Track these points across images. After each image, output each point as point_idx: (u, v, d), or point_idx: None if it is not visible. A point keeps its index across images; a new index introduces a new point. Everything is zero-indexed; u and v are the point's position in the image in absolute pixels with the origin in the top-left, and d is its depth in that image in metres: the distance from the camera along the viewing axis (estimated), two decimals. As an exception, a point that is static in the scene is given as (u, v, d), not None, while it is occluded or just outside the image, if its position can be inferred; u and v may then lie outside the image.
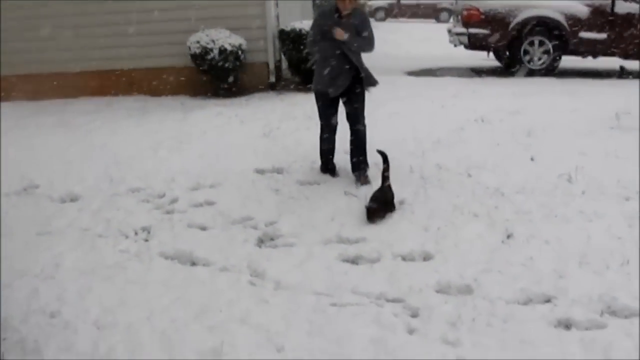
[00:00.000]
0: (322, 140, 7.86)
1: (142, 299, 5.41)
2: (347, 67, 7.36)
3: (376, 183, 7.02)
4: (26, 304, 5.46)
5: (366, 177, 7.61)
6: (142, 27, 12.94)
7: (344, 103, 7.60)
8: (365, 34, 7.30)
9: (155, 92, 13.08)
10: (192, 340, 4.76)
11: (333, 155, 7.94)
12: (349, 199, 7.11)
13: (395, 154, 8.04)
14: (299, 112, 10.71)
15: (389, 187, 6.79)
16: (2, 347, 4.89)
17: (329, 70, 7.40)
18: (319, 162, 7.98)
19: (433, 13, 39.65)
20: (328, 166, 7.95)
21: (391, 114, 8.83)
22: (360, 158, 7.68)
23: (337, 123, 7.75)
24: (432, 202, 6.89)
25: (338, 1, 7.26)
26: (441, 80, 14.16)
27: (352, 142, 7.68)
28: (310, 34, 7.76)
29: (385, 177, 6.81)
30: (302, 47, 12.19)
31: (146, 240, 6.63)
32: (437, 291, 5.27)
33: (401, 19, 38.33)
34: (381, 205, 6.62)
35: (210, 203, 7.38)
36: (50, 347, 4.82)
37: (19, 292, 5.66)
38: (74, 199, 7.83)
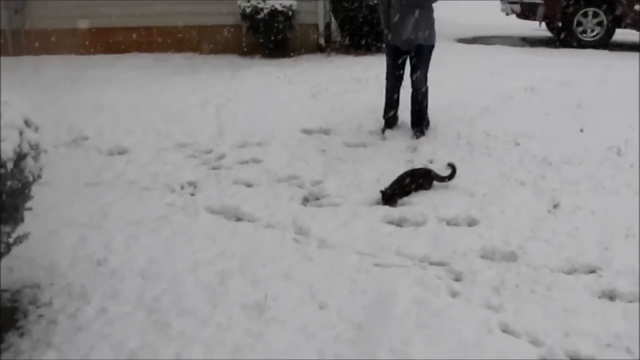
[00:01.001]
0: (388, 90, 8.01)
1: (187, 251, 5.47)
2: (417, 22, 7.52)
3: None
4: (73, 252, 5.54)
5: (423, 132, 7.78)
6: (194, -17, 12.92)
7: (410, 58, 7.74)
8: None
9: (204, 50, 13.12)
10: (236, 293, 4.80)
11: (396, 108, 8.06)
12: (395, 162, 7.09)
13: (443, 120, 8.04)
14: (347, 75, 10.67)
15: (430, 178, 6.60)
16: (50, 291, 4.97)
17: (400, 23, 7.59)
18: (366, 124, 7.98)
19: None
20: (390, 117, 8.05)
21: (440, 80, 8.75)
22: (421, 114, 7.81)
23: (402, 76, 7.90)
24: (478, 169, 6.85)
25: None
26: (491, 48, 13.99)
27: (413, 98, 7.82)
28: None
29: (436, 177, 6.62)
30: (352, 9, 12.13)
31: (192, 195, 6.68)
32: (481, 256, 5.24)
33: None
34: (397, 191, 6.42)
35: (256, 160, 7.42)
36: (97, 293, 4.89)
37: (67, 240, 5.74)
38: (122, 152, 7.91)
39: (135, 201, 6.55)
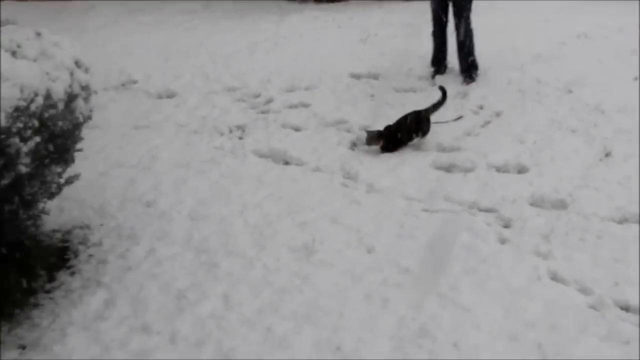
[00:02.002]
0: (434, 34, 7.96)
1: (235, 194, 5.50)
2: None
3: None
4: (123, 193, 5.60)
5: (473, 77, 7.71)
6: None
7: (453, 3, 7.64)
8: None
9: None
10: (284, 235, 4.82)
11: (445, 53, 8.01)
12: (446, 107, 6.99)
13: (493, 66, 7.91)
14: (396, 20, 10.54)
15: (426, 118, 6.40)
16: (100, 232, 5.03)
17: None
18: (416, 69, 7.91)
19: None
20: (438, 63, 8.00)
21: (491, 26, 8.61)
22: (468, 60, 7.72)
23: (447, 19, 7.79)
24: (529, 116, 6.74)
25: None
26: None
27: (459, 43, 7.73)
28: None
29: (428, 110, 6.47)
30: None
31: (240, 138, 6.68)
32: (531, 204, 5.18)
33: None
34: (390, 142, 6.28)
35: (304, 105, 7.39)
36: (146, 234, 4.96)
37: (116, 181, 5.81)
38: (170, 95, 7.94)
39: (183, 144, 6.58)
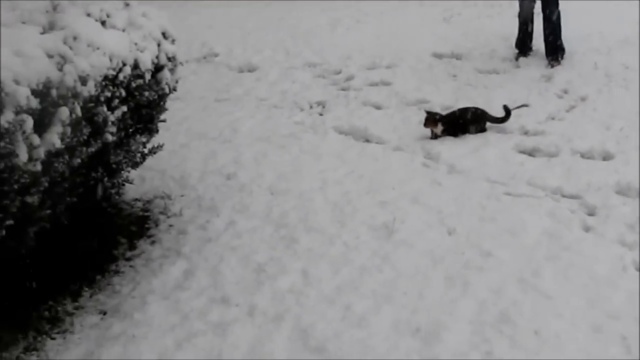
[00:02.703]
0: (520, 16, 7.82)
1: (315, 170, 5.50)
2: None
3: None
4: (204, 165, 5.65)
5: (558, 60, 7.55)
6: None
7: None
8: None
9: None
10: (364, 213, 4.79)
11: (530, 36, 7.86)
12: (528, 90, 6.88)
13: (579, 50, 7.74)
14: (480, -1, 10.37)
15: (484, 118, 6.19)
16: (180, 202, 5.09)
17: None
18: (499, 50, 7.79)
19: None
20: (523, 45, 7.86)
21: (578, 9, 8.38)
22: (554, 42, 7.59)
23: (534, 2, 7.68)
24: (615, 102, 6.56)
25: None
26: (633, -24, 13.28)
27: (546, 25, 7.59)
28: None
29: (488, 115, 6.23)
30: None
31: (321, 115, 6.68)
32: (617, 192, 5.03)
33: None
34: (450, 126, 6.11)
35: (386, 83, 7.33)
36: (226, 206, 4.99)
37: (197, 153, 5.86)
38: (251, 69, 7.98)
39: (264, 118, 6.60)
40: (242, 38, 8.97)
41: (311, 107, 6.85)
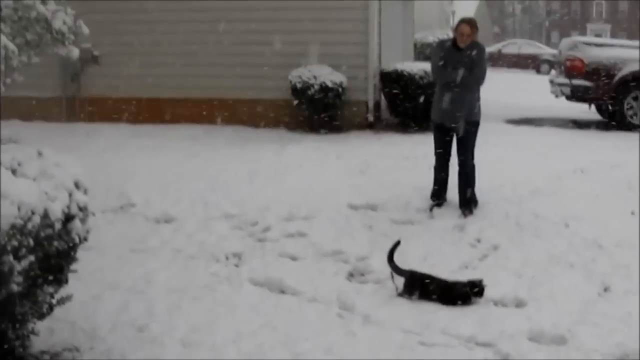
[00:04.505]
0: (436, 168, 8.07)
1: (229, 322, 5.42)
2: (462, 100, 7.66)
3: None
4: (115, 316, 5.52)
5: (472, 211, 7.76)
6: (247, 59, 13.12)
7: (457, 136, 7.82)
8: (477, 67, 7.64)
9: (254, 123, 13.18)
10: (278, 366, 4.73)
11: (445, 187, 8.07)
12: (442, 240, 7.03)
13: (491, 199, 7.97)
14: (396, 152, 10.66)
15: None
16: (89, 355, 4.93)
17: (445, 102, 7.75)
18: (414, 201, 7.97)
19: (533, 64, 39.18)
20: (438, 196, 8.04)
21: (489, 160, 8.71)
22: (468, 193, 7.81)
23: (449, 154, 7.97)
24: (527, 250, 6.75)
25: (457, 36, 7.64)
26: (541, 129, 13.86)
27: (460, 177, 7.85)
28: (431, 67, 8.20)
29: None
30: (402, 88, 12.25)
31: (237, 266, 6.67)
32: (530, 339, 5.12)
33: (501, 69, 37.95)
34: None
35: (302, 234, 7.39)
36: (137, 359, 4.85)
37: (109, 304, 5.74)
38: (168, 220, 7.94)
39: (180, 269, 6.54)
40: (161, 188, 8.97)
41: (227, 258, 6.82)
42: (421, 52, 20.25)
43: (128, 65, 13.44)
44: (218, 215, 7.99)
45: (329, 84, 12.32)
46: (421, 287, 5.91)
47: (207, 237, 7.34)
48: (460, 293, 5.85)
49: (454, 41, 7.71)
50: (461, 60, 7.61)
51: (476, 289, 5.85)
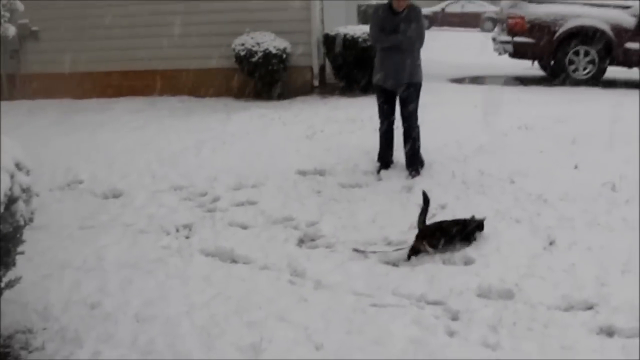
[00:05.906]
0: (381, 131, 8.13)
1: (182, 294, 5.43)
2: (403, 63, 7.70)
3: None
4: (67, 295, 5.50)
5: (418, 171, 7.88)
6: (188, 28, 13.02)
7: (399, 99, 7.88)
8: (415, 29, 7.67)
9: (198, 93, 13.14)
10: (231, 335, 4.75)
11: (391, 149, 8.17)
12: (391, 202, 7.11)
13: (437, 159, 8.06)
14: (342, 116, 10.71)
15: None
16: (43, 336, 4.92)
17: (386, 65, 7.83)
18: (362, 164, 8.03)
19: (477, 22, 39.27)
20: (385, 159, 8.14)
21: (434, 120, 8.79)
22: (414, 154, 7.91)
23: (394, 116, 8.04)
24: (473, 207, 6.82)
25: (393, 0, 7.67)
26: (485, 87, 13.99)
27: (405, 138, 7.92)
28: (370, 32, 8.23)
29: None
30: (346, 51, 12.26)
31: (187, 237, 6.67)
32: (478, 295, 5.22)
33: (445, 27, 38.07)
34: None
35: (251, 202, 7.41)
36: (90, 337, 4.84)
37: (61, 283, 5.71)
38: (117, 195, 7.91)
39: (130, 244, 6.52)
40: (108, 163, 8.90)
41: (178, 230, 6.82)
42: (365, 14, 20.28)
43: (68, 40, 13.29)
44: (166, 187, 7.98)
45: (273, 50, 12.31)
46: (443, 235, 6.07)
47: (157, 210, 7.32)
48: (472, 229, 6.13)
49: (390, 5, 7.74)
50: (399, 24, 7.65)
51: (477, 224, 6.16)
